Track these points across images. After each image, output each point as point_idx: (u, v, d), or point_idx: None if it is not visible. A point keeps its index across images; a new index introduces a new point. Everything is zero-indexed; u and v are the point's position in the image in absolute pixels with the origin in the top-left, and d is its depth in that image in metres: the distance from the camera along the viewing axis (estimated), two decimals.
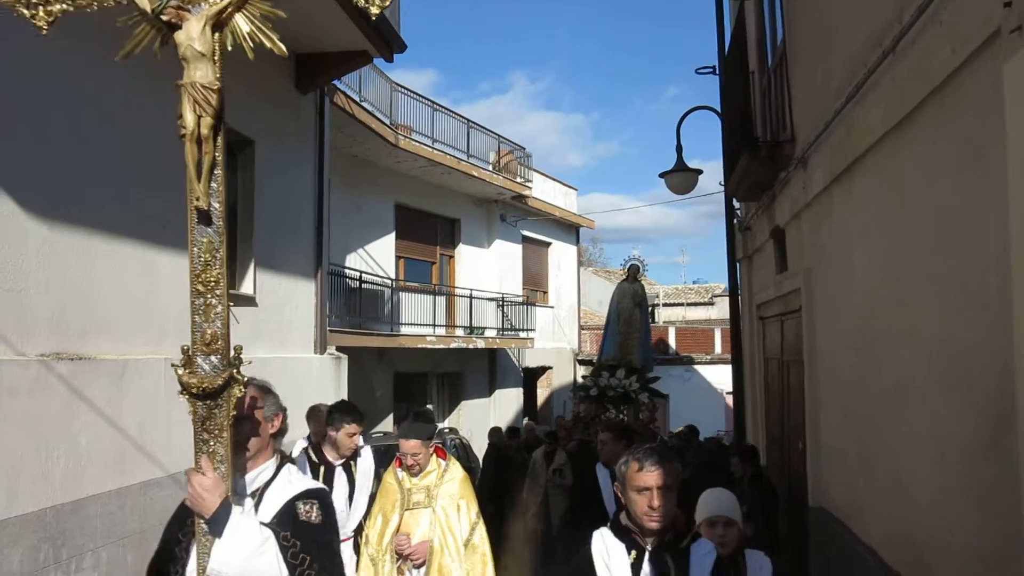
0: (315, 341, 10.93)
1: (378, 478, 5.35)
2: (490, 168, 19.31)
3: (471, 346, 18.18)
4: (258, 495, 2.58)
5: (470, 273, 19.43)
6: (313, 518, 2.55)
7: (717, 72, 7.94)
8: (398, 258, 17.06)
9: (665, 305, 41.48)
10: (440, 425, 16.29)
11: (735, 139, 6.83)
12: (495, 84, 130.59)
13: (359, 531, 5.21)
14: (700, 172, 9.93)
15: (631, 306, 13.57)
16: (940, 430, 3.19)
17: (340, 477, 5.41)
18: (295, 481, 2.67)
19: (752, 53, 7.22)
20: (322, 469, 5.37)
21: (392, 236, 16.76)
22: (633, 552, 2.70)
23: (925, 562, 3.38)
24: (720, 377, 23.99)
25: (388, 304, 15.69)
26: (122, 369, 6.60)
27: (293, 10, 8.59)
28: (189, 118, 2.34)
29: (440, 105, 17.56)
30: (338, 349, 11.77)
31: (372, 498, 5.28)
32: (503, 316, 19.72)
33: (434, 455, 4.69)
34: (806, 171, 5.32)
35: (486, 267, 20.21)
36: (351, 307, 13.97)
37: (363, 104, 13.72)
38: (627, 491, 2.73)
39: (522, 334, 20.35)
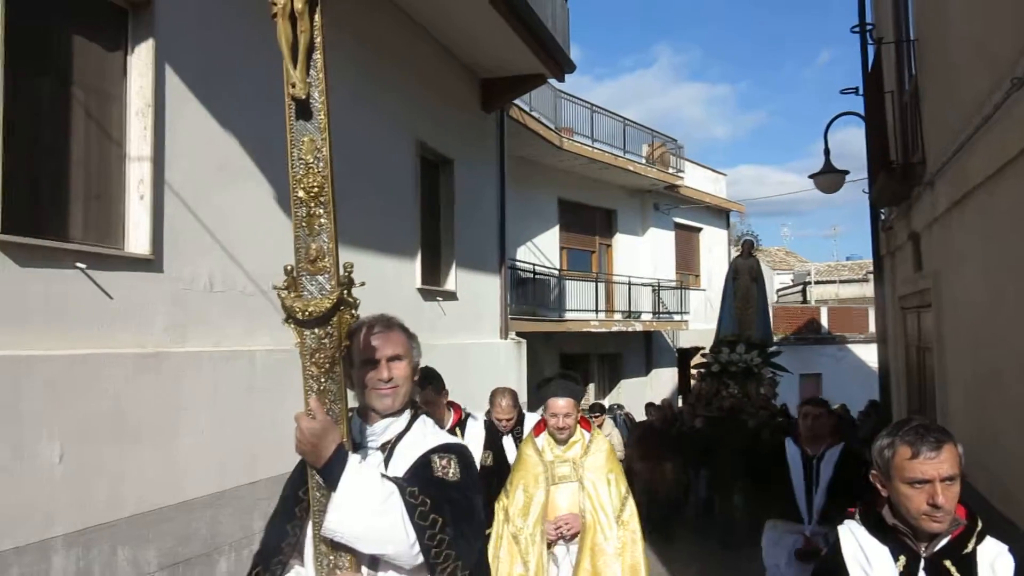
0: (500, 328, 12.65)
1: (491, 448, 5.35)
2: (644, 161, 20.56)
3: (629, 329, 19.57)
4: (389, 448, 2.33)
5: (626, 260, 20.79)
6: (450, 475, 2.26)
7: (860, 93, 8.94)
8: (562, 248, 18.64)
9: (818, 283, 41.19)
10: (604, 402, 17.80)
11: (875, 156, 7.91)
12: (639, 58, 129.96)
13: None
14: (847, 172, 10.89)
15: (748, 281, 13.32)
16: (1019, 401, 4.39)
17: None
18: (431, 434, 2.39)
19: (891, 75, 8.23)
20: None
21: (556, 228, 18.34)
22: (902, 558, 2.24)
23: (1010, 491, 4.60)
24: (874, 356, 24.20)
25: (555, 291, 17.29)
26: None
27: (480, 41, 10.80)
28: None
29: (598, 107, 18.98)
30: (516, 334, 13.45)
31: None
32: (658, 300, 20.96)
33: (578, 426, 4.40)
34: (933, 192, 6.42)
35: (641, 254, 21.50)
36: (524, 296, 15.63)
37: (532, 113, 15.29)
38: (895, 483, 2.22)
39: (676, 317, 21.54)
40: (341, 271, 2.09)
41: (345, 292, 2.08)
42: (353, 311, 2.11)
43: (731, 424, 11.44)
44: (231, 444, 6.16)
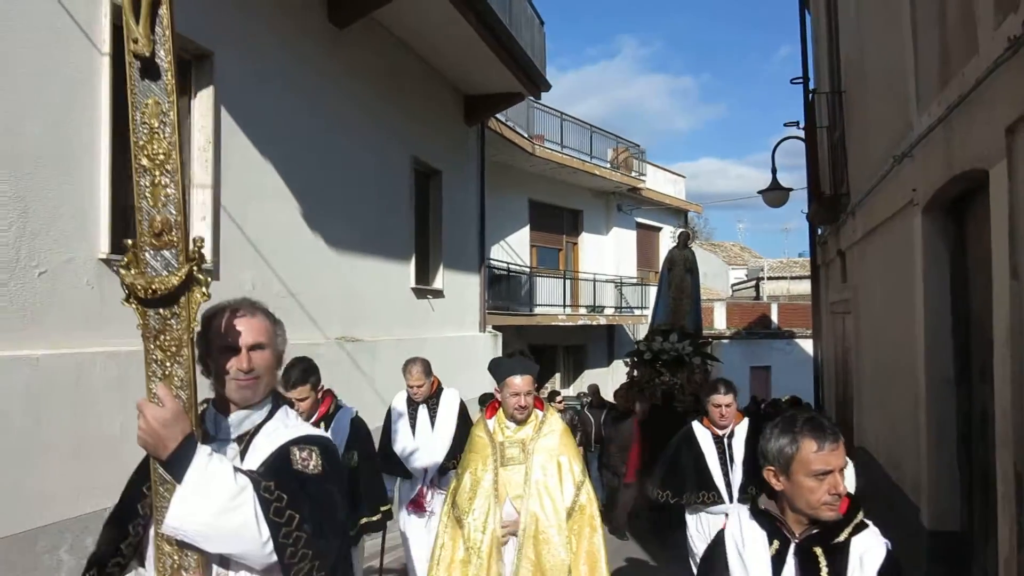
0: (479, 322, 13.90)
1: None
2: (608, 165, 21.92)
3: (593, 322, 20.96)
4: (246, 440, 2.14)
5: (592, 258, 22.17)
6: (311, 468, 2.10)
7: (801, 127, 10.30)
8: (532, 246, 19.93)
9: (770, 279, 42.87)
10: (568, 392, 19.19)
11: (811, 184, 9.30)
12: (603, 49, 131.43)
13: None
14: (791, 190, 12.29)
15: (682, 272, 13.62)
16: (901, 393, 5.76)
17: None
18: (292, 425, 2.21)
19: (823, 112, 9.62)
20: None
21: (527, 228, 19.62)
22: (775, 543, 2.30)
23: (897, 461, 5.98)
24: None
25: (526, 287, 18.58)
26: (374, 347, 9.64)
27: (467, 64, 12.51)
28: None
29: (568, 115, 20.28)
30: (492, 328, 14.72)
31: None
32: (620, 295, 22.38)
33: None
34: (854, 220, 7.80)
35: (605, 252, 22.90)
36: (499, 292, 16.89)
37: (507, 123, 16.51)
38: (797, 476, 2.23)
39: (636, 311, 22.97)
40: (190, 246, 1.91)
41: (195, 268, 1.90)
42: (204, 289, 1.92)
43: (665, 412, 11.40)
44: None
